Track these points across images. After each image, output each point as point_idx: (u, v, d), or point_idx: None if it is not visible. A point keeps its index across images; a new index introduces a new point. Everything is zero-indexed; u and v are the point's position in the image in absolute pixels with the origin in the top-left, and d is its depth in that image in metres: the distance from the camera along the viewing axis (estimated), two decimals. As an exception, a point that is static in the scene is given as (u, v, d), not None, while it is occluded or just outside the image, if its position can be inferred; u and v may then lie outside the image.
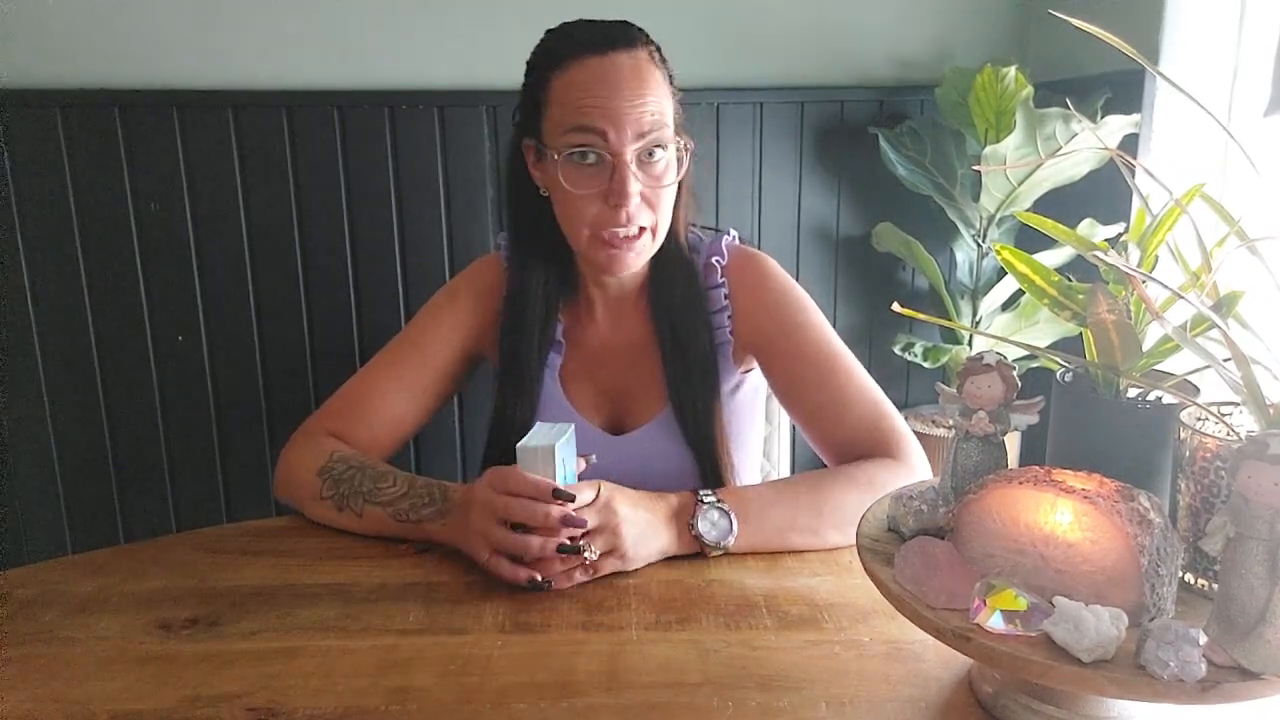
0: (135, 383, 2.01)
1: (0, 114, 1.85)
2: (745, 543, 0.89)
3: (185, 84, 1.89)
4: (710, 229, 1.14)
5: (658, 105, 0.95)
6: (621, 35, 0.96)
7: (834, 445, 1.02)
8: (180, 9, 1.86)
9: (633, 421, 1.09)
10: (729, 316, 1.08)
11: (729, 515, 0.89)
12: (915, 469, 0.98)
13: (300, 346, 2.03)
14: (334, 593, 0.83)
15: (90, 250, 1.93)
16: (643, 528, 0.86)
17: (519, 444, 0.83)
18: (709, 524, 0.88)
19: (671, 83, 1.00)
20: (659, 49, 1.00)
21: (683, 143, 1.00)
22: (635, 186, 0.94)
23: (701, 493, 0.90)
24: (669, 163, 0.98)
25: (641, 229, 0.98)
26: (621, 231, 0.96)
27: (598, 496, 0.84)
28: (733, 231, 1.13)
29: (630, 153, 0.93)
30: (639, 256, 1.00)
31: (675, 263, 1.07)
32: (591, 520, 0.82)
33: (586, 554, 0.82)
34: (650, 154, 0.96)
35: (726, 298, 1.08)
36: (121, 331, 1.98)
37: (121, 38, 1.87)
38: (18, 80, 1.85)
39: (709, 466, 1.05)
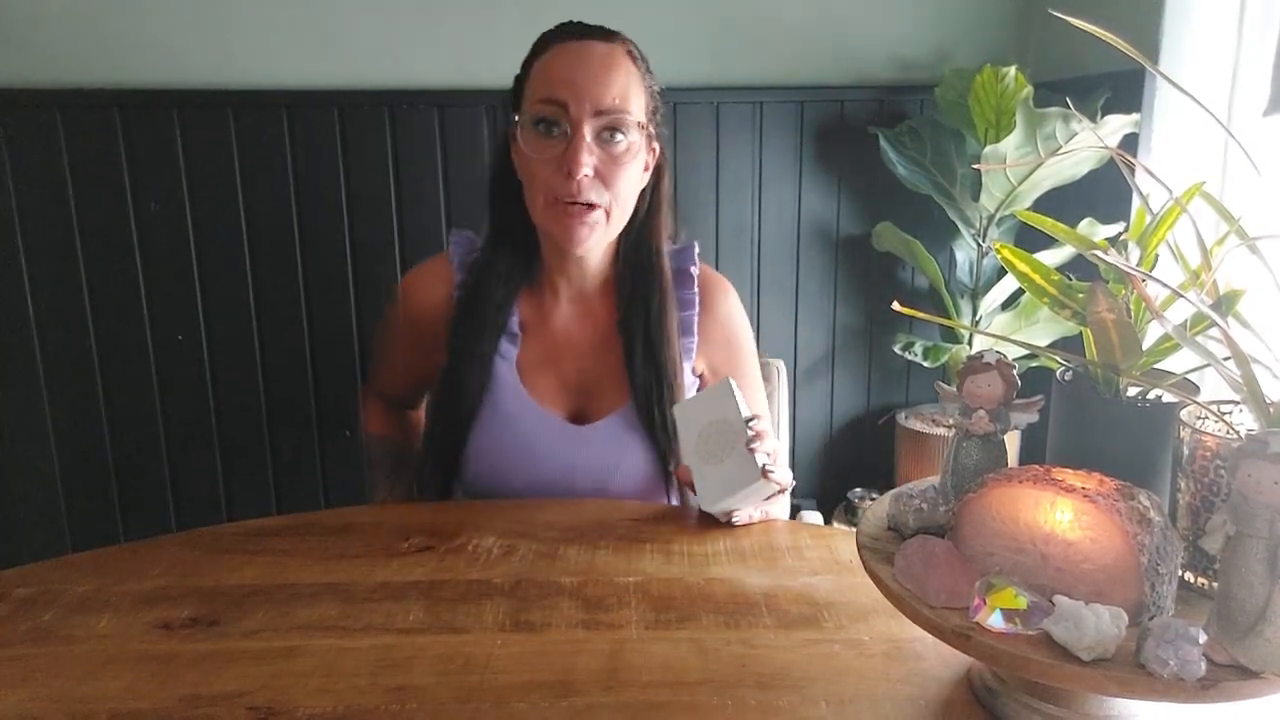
0: (135, 383, 2.01)
1: (0, 114, 1.85)
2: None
3: (185, 84, 1.89)
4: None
5: (622, 91, 1.01)
6: (603, 31, 1.04)
7: None
8: (180, 9, 1.87)
9: (594, 413, 1.11)
10: (696, 325, 1.14)
11: None
12: None
13: (300, 346, 2.03)
14: (334, 592, 0.83)
15: (90, 250, 1.94)
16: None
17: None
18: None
19: (651, 89, 1.06)
20: (642, 56, 1.06)
21: (652, 138, 1.07)
22: (587, 158, 0.99)
23: None
24: (629, 146, 1.02)
25: (594, 205, 1.01)
26: (573, 203, 1.00)
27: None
28: (696, 244, 1.18)
29: (589, 127, 0.99)
30: (592, 232, 1.03)
31: (652, 268, 1.11)
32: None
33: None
34: (611, 134, 1.01)
35: (695, 306, 1.14)
36: (121, 331, 1.98)
37: (121, 38, 1.87)
38: (18, 80, 1.85)
39: (669, 461, 1.08)
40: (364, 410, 1.29)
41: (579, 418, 1.12)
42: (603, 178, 1.01)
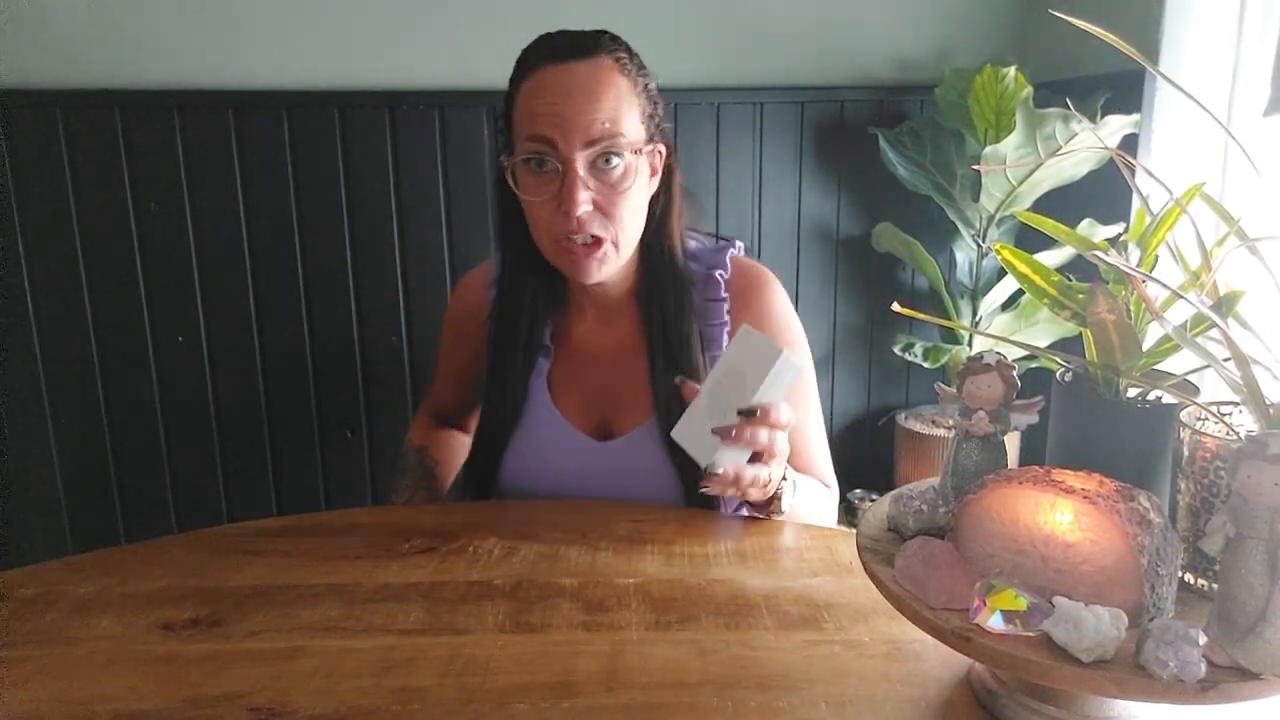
0: (135, 383, 2.01)
1: (0, 114, 1.85)
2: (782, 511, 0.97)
3: (185, 84, 1.89)
4: (713, 236, 1.14)
5: (612, 113, 0.95)
6: (583, 44, 0.97)
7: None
8: (180, 9, 1.87)
9: (619, 427, 1.09)
10: (727, 332, 1.08)
11: (794, 487, 0.97)
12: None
13: (300, 346, 2.03)
14: (335, 592, 0.83)
15: (90, 250, 1.94)
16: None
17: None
18: (790, 486, 0.96)
19: (647, 90, 1.01)
20: (633, 57, 1.00)
21: (654, 149, 1.01)
22: (584, 194, 0.94)
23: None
24: (626, 170, 0.97)
25: (599, 239, 0.98)
26: (576, 238, 0.97)
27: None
28: (739, 244, 1.12)
29: (581, 160, 0.94)
30: (601, 265, 1.00)
31: (668, 272, 1.07)
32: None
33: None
34: (606, 161, 0.96)
35: (728, 313, 1.08)
36: (121, 332, 1.98)
37: (121, 38, 1.87)
38: (18, 80, 1.85)
39: (691, 479, 1.02)
40: (411, 426, 1.27)
41: (604, 432, 1.09)
42: (603, 209, 0.97)
